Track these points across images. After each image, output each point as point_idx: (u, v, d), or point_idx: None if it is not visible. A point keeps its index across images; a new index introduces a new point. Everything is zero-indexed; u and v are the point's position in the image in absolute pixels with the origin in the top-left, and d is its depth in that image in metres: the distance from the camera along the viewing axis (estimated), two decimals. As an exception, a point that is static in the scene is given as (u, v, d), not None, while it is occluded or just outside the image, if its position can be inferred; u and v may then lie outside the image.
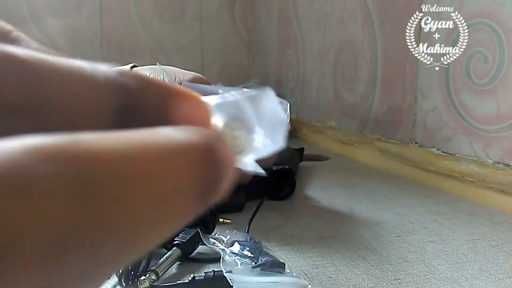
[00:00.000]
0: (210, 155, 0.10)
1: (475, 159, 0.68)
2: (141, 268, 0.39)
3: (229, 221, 0.55)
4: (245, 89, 0.14)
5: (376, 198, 0.67)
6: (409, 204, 0.64)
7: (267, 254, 0.41)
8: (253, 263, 0.39)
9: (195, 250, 0.45)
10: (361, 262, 0.45)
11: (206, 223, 0.48)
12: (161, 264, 0.40)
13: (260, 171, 0.13)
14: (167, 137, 0.10)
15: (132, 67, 0.61)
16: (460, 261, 0.45)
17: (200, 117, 0.13)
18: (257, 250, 0.41)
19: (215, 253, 0.43)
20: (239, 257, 0.40)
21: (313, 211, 0.61)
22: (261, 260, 0.39)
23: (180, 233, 0.45)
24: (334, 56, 1.09)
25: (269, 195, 0.63)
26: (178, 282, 0.40)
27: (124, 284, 0.38)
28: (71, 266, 0.08)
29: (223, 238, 0.44)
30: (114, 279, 0.39)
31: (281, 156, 0.67)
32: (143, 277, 0.38)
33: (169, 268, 0.41)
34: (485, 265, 0.44)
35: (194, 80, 0.59)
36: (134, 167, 0.09)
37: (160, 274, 0.39)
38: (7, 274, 0.07)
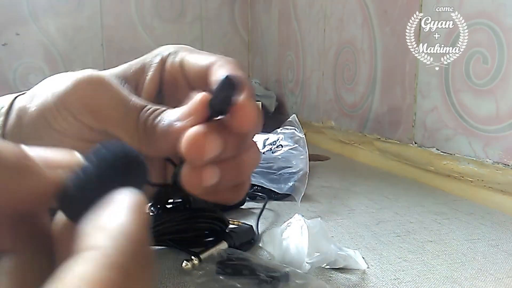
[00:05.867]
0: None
1: (474, 159, 0.68)
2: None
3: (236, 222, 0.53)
4: None
5: (376, 198, 0.67)
6: (408, 204, 0.64)
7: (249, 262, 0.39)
8: (257, 282, 0.37)
9: (242, 245, 0.45)
10: (361, 262, 0.45)
11: (222, 221, 0.46)
12: (206, 251, 0.41)
13: None
14: None
15: None
16: (459, 260, 0.45)
17: None
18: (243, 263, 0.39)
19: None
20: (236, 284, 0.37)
21: (313, 211, 0.61)
22: (262, 276, 0.37)
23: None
24: (334, 56, 1.09)
25: (269, 195, 0.64)
26: None
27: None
28: None
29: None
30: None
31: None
32: (185, 262, 0.40)
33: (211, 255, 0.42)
34: (484, 265, 0.44)
35: None
36: None
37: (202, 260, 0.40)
38: None
